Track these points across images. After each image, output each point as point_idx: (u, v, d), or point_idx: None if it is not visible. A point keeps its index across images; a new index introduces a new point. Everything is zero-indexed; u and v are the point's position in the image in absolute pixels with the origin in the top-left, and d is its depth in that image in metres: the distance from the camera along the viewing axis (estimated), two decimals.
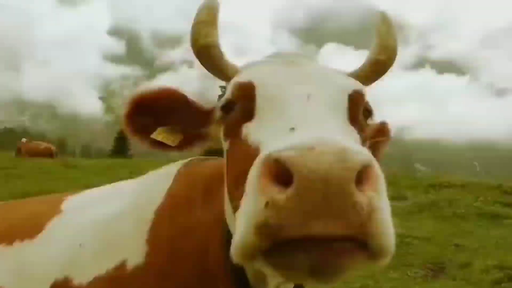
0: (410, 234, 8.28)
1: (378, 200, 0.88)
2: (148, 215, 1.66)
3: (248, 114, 1.27)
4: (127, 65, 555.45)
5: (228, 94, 1.34)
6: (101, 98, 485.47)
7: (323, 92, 1.25)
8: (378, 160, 1.66)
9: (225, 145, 1.36)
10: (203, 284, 1.52)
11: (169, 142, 1.48)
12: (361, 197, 0.85)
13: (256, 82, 1.30)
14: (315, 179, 0.83)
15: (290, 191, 0.85)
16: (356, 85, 1.37)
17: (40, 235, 1.87)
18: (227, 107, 1.34)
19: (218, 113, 1.40)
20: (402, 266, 6.71)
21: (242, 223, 0.92)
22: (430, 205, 11.03)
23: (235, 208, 1.11)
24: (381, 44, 1.54)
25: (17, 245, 1.89)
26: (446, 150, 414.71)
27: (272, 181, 0.88)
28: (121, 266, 1.58)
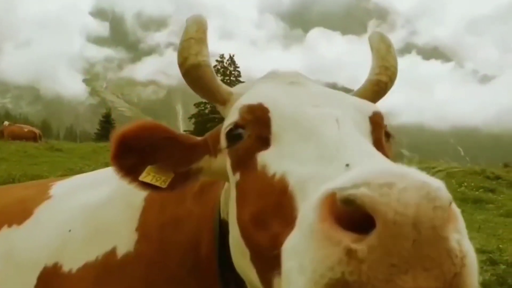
0: None
1: (466, 243, 0.73)
2: (138, 201, 1.62)
3: (263, 141, 1.12)
4: (111, 47, 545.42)
5: (234, 119, 1.19)
6: (84, 80, 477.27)
7: (347, 115, 1.13)
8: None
9: (234, 178, 1.20)
10: (193, 278, 1.46)
11: (158, 184, 1.33)
12: (454, 241, 0.71)
13: (268, 104, 1.16)
14: (404, 223, 0.67)
15: (372, 239, 0.68)
16: (374, 106, 1.28)
17: (28, 220, 1.84)
18: (234, 134, 1.19)
19: (223, 142, 1.24)
20: None
21: (300, 283, 0.74)
22: None
23: (257, 253, 1.01)
24: (381, 65, 1.48)
25: (5, 230, 1.86)
26: (431, 136, 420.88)
27: (340, 227, 0.72)
28: (111, 253, 1.55)
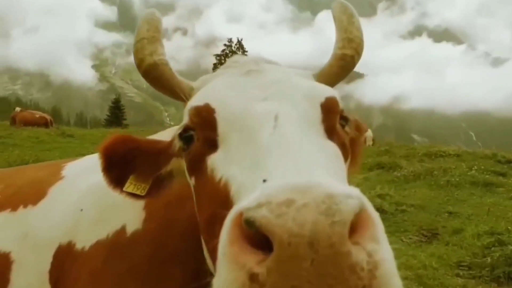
0: (405, 202, 8.48)
1: (380, 250, 0.72)
2: None
3: (211, 143, 1.12)
4: (119, 32, 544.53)
5: (184, 121, 1.17)
6: (93, 66, 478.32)
7: (291, 107, 1.11)
8: (358, 157, 1.46)
9: (191, 182, 1.21)
10: (192, 256, 1.47)
11: (138, 192, 1.35)
12: (360, 254, 0.69)
13: (214, 104, 1.15)
14: (299, 244, 0.67)
15: (270, 262, 0.69)
16: (327, 91, 1.23)
17: (43, 201, 1.90)
18: (186, 137, 1.18)
19: (177, 144, 1.23)
20: (396, 232, 6.90)
21: None
22: (425, 174, 11.24)
23: (210, 251, 1.05)
24: (344, 38, 1.42)
25: (21, 211, 1.92)
26: (442, 120, 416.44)
27: (247, 247, 0.73)
28: (121, 231, 1.59)
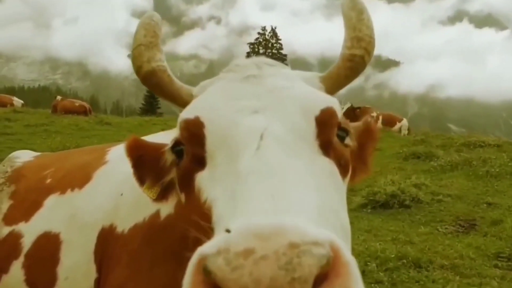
0: (441, 192, 8.31)
1: None
2: None
3: (199, 161, 1.08)
4: None
5: (175, 134, 1.13)
6: (129, 56, 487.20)
7: (281, 123, 1.05)
8: (368, 162, 1.39)
9: (182, 198, 1.18)
10: None
11: (151, 195, 1.36)
12: None
13: (204, 118, 1.09)
14: None
15: None
16: (324, 101, 1.14)
17: (88, 184, 1.98)
18: (177, 150, 1.14)
19: (169, 158, 1.19)
20: (432, 222, 6.80)
21: None
22: (463, 164, 10.92)
23: None
24: (353, 37, 1.33)
25: (68, 194, 2.01)
26: (481, 109, 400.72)
27: None
28: (156, 215, 1.63)
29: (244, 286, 0.63)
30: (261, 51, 64.96)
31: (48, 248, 1.92)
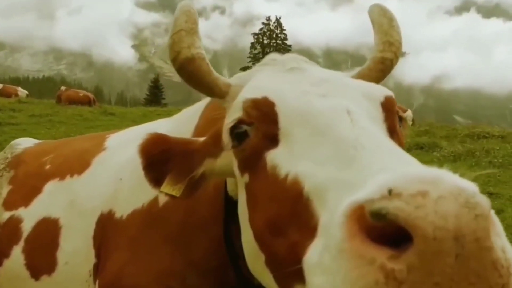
0: None
1: (508, 247, 0.68)
2: None
3: (271, 139, 1.06)
4: (159, 12, 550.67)
5: (238, 115, 1.11)
6: (133, 46, 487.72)
7: (358, 105, 1.05)
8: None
9: (242, 179, 1.14)
10: (216, 225, 1.49)
11: (174, 193, 1.32)
12: (498, 250, 0.65)
13: (273, 97, 1.08)
14: (444, 238, 0.61)
15: (411, 257, 0.62)
16: (384, 90, 1.17)
17: (87, 170, 2.00)
18: (239, 132, 1.11)
19: (227, 141, 1.16)
20: None
21: None
22: (466, 154, 10.91)
23: (274, 260, 0.99)
24: (385, 41, 1.42)
25: (68, 180, 2.04)
26: (488, 101, 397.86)
27: (370, 242, 0.66)
28: (154, 201, 1.65)
29: (432, 223, 0.61)
30: (265, 41, 64.72)
31: (47, 233, 1.94)
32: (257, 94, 1.10)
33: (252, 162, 1.08)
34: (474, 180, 8.43)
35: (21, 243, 2.04)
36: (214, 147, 1.29)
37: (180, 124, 1.83)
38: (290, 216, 0.92)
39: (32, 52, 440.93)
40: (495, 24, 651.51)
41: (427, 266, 0.62)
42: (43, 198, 2.06)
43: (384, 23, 1.43)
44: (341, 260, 0.69)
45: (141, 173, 1.66)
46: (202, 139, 1.34)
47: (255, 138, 1.08)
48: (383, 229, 0.65)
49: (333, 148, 0.92)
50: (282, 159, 1.01)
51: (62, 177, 2.06)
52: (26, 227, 2.05)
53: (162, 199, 1.63)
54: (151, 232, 1.63)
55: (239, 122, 1.10)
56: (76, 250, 1.86)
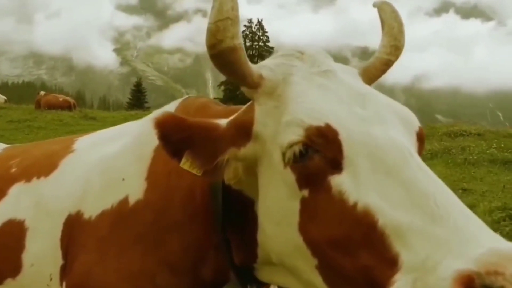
0: None
1: None
2: (148, 152, 1.70)
3: (335, 164, 1.13)
4: (140, 15, 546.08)
5: (299, 138, 1.16)
6: (115, 50, 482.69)
7: (407, 138, 1.17)
8: None
9: (300, 193, 1.19)
10: (194, 224, 1.53)
11: (194, 171, 1.34)
12: None
13: (335, 125, 1.15)
14: None
15: None
16: (416, 120, 1.26)
17: (54, 172, 1.99)
18: (301, 152, 1.16)
19: (288, 156, 1.19)
20: None
21: None
22: (442, 152, 11.16)
23: (335, 270, 1.11)
24: (393, 45, 1.50)
25: (34, 182, 2.02)
26: (468, 100, 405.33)
27: None
28: (124, 201, 1.66)
29: None
30: (247, 43, 64.85)
31: (12, 235, 1.93)
32: (319, 121, 1.16)
33: (315, 181, 1.15)
34: (450, 176, 8.69)
35: None
36: (238, 137, 1.32)
37: (150, 125, 1.79)
38: (360, 241, 1.02)
39: (11, 57, 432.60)
40: (474, 24, 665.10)
41: None
42: (8, 201, 2.04)
43: (395, 27, 1.50)
44: None
45: (111, 173, 1.74)
46: (224, 125, 1.36)
47: (319, 161, 1.14)
48: None
49: (409, 195, 1.02)
50: (349, 187, 1.09)
51: (28, 179, 2.05)
52: None
53: (132, 199, 1.65)
54: (121, 232, 1.64)
55: (304, 145, 1.15)
56: (42, 251, 1.85)
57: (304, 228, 1.18)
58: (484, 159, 10.30)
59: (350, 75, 1.35)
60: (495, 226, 5.60)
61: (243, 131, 1.32)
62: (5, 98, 28.00)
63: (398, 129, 1.15)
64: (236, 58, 1.28)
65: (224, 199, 1.44)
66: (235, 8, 1.26)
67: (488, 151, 10.83)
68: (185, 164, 1.34)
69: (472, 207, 6.68)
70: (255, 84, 1.32)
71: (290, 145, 1.17)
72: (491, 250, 0.86)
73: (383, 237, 1.00)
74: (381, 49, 1.49)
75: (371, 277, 1.01)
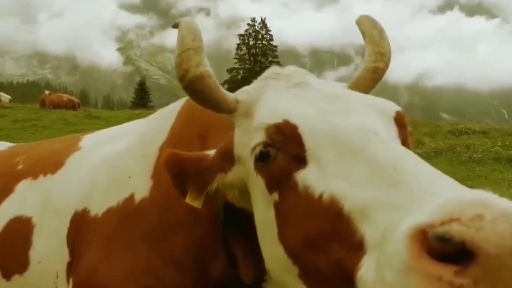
0: None
1: None
2: (153, 151, 1.72)
3: (299, 159, 1.09)
4: (143, 14, 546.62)
5: (260, 139, 1.15)
6: (119, 49, 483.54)
7: (378, 123, 1.11)
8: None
9: (271, 197, 1.16)
10: (199, 225, 1.54)
11: (196, 204, 1.37)
12: None
13: (294, 120, 1.12)
14: (504, 254, 0.71)
15: (477, 272, 0.71)
16: (394, 106, 1.24)
17: (61, 170, 2.01)
18: (263, 153, 1.14)
19: (252, 163, 1.20)
20: None
21: None
22: (447, 150, 11.12)
23: (313, 273, 1.04)
24: (377, 52, 1.51)
25: (41, 179, 2.03)
26: (473, 97, 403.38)
27: (434, 261, 0.74)
28: (130, 199, 1.67)
29: (493, 242, 0.70)
30: (251, 42, 64.81)
31: (19, 232, 1.94)
32: (277, 119, 1.13)
33: (282, 182, 1.11)
34: (454, 174, 8.63)
35: None
36: (224, 163, 1.34)
37: (156, 124, 1.86)
38: (330, 233, 0.96)
39: (15, 57, 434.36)
40: (478, 22, 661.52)
41: (491, 279, 0.70)
42: (15, 198, 2.05)
43: (375, 35, 1.52)
44: (409, 278, 0.75)
45: (117, 171, 1.75)
46: (212, 155, 1.37)
47: (282, 159, 1.11)
48: (441, 250, 0.73)
49: (371, 169, 0.96)
50: (314, 179, 1.05)
51: (34, 176, 2.06)
52: None
53: (138, 197, 1.66)
54: (127, 230, 1.64)
55: (265, 145, 1.13)
56: (49, 248, 1.86)
57: (281, 235, 1.13)
58: (489, 157, 10.25)
59: (330, 86, 1.32)
60: None
61: (227, 156, 1.33)
62: (10, 97, 28.08)
63: (367, 116, 1.11)
64: (205, 85, 1.29)
65: (232, 214, 1.44)
66: (196, 39, 1.30)
67: (492, 149, 10.78)
68: (188, 199, 1.37)
69: None
70: (230, 110, 1.33)
71: (253, 148, 1.17)
72: (448, 200, 0.79)
73: (349, 222, 0.94)
74: (367, 58, 1.52)
75: (343, 270, 0.94)
